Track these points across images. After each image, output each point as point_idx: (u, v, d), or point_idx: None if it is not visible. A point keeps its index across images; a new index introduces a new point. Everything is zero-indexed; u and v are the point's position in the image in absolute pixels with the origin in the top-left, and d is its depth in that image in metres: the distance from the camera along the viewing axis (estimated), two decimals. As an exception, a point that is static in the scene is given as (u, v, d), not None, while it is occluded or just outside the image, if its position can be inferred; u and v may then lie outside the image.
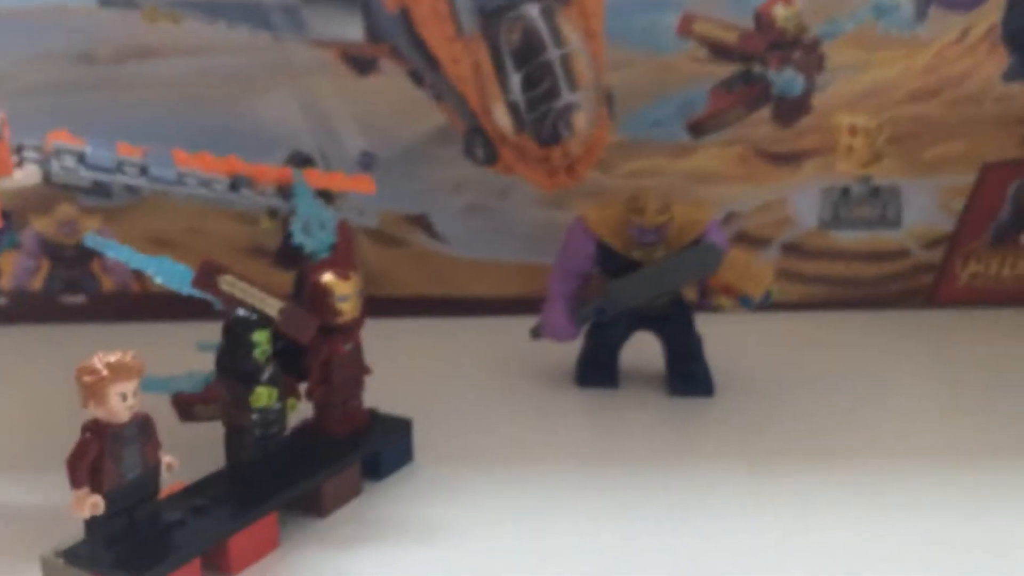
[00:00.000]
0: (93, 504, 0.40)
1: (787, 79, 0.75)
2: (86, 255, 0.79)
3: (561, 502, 0.52)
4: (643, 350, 0.67)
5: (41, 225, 0.79)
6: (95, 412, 0.40)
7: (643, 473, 0.55)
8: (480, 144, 0.78)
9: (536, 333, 0.68)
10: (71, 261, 0.80)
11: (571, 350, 0.67)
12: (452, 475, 0.55)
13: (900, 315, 0.81)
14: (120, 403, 0.40)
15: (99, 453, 0.40)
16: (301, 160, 0.75)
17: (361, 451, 0.53)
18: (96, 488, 0.40)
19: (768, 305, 0.62)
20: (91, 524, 0.42)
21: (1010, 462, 0.55)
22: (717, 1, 0.74)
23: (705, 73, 0.76)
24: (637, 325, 0.66)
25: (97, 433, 0.40)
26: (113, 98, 0.74)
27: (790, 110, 0.77)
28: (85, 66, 0.74)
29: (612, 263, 0.64)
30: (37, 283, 0.80)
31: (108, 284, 0.81)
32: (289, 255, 0.56)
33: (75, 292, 0.80)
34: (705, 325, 0.66)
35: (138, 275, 0.78)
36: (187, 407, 0.52)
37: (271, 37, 0.74)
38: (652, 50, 0.75)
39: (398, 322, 0.79)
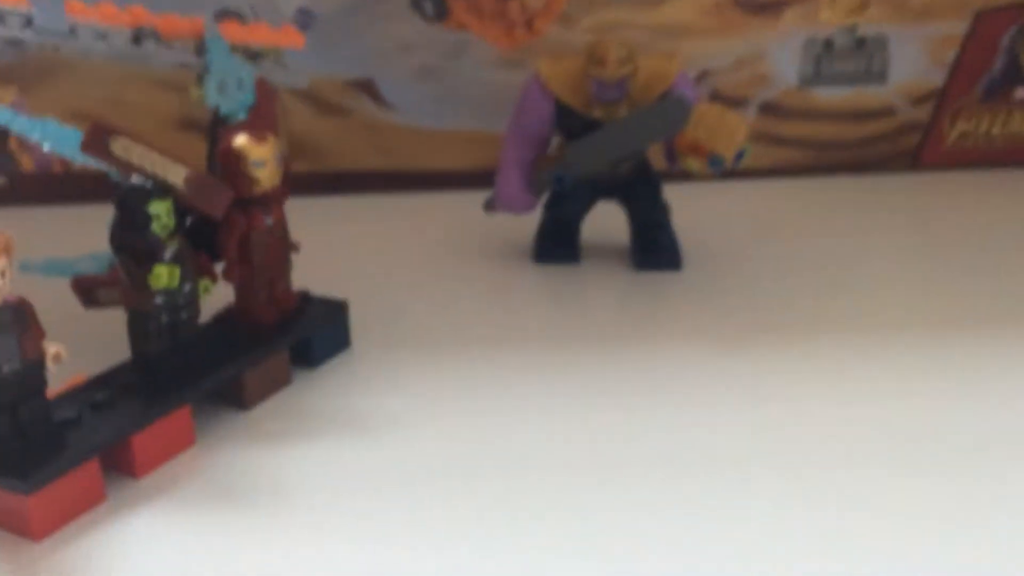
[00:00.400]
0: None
1: None
2: (2, 133, 0.72)
3: (516, 388, 0.47)
4: (606, 222, 0.62)
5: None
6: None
7: (606, 353, 0.50)
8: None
9: (489, 205, 0.62)
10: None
11: (528, 224, 0.62)
12: (394, 361, 0.49)
13: (883, 179, 0.76)
14: (-11, 283, 0.34)
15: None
16: (227, 16, 0.68)
17: (288, 337, 0.47)
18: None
19: (740, 166, 0.56)
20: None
21: (993, 327, 0.51)
22: None
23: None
24: (599, 194, 0.60)
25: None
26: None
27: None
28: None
29: (571, 124, 0.57)
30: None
31: (28, 164, 0.74)
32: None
33: (-11, 171, 0.73)
34: (673, 193, 0.60)
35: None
36: (89, 291, 0.46)
37: None
38: None
39: (340, 200, 0.73)
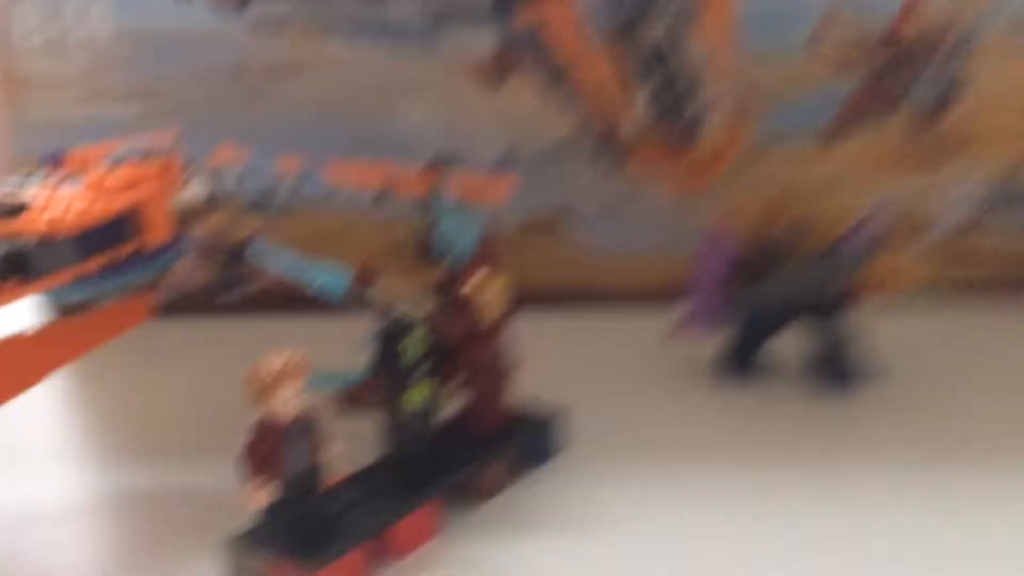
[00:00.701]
0: (266, 493, 0.43)
1: None
2: (243, 253, 0.83)
3: (707, 497, 0.52)
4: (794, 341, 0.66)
5: (199, 233, 0.84)
6: (263, 411, 0.43)
7: (789, 469, 0.55)
8: (610, 149, 0.79)
9: (675, 331, 0.68)
10: (229, 260, 0.84)
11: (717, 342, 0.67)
12: (599, 468, 0.56)
13: None
14: (284, 405, 0.43)
15: (269, 447, 0.43)
16: (444, 160, 0.77)
17: (511, 443, 0.54)
18: (268, 479, 0.43)
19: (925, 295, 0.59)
20: (264, 512, 0.45)
21: None
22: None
23: (837, 80, 0.74)
24: (789, 315, 0.64)
25: (267, 429, 0.43)
26: (265, 112, 0.79)
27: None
28: (235, 83, 0.79)
29: (749, 268, 0.63)
30: (198, 282, 0.85)
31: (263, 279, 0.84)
32: (427, 250, 0.57)
33: (233, 290, 0.84)
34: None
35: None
36: (347, 401, 0.55)
37: (410, 52, 0.77)
38: (784, 56, 0.74)
39: (541, 315, 0.80)
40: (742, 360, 0.67)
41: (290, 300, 0.81)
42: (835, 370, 0.64)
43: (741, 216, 0.63)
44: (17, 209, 0.48)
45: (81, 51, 0.82)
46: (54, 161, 0.56)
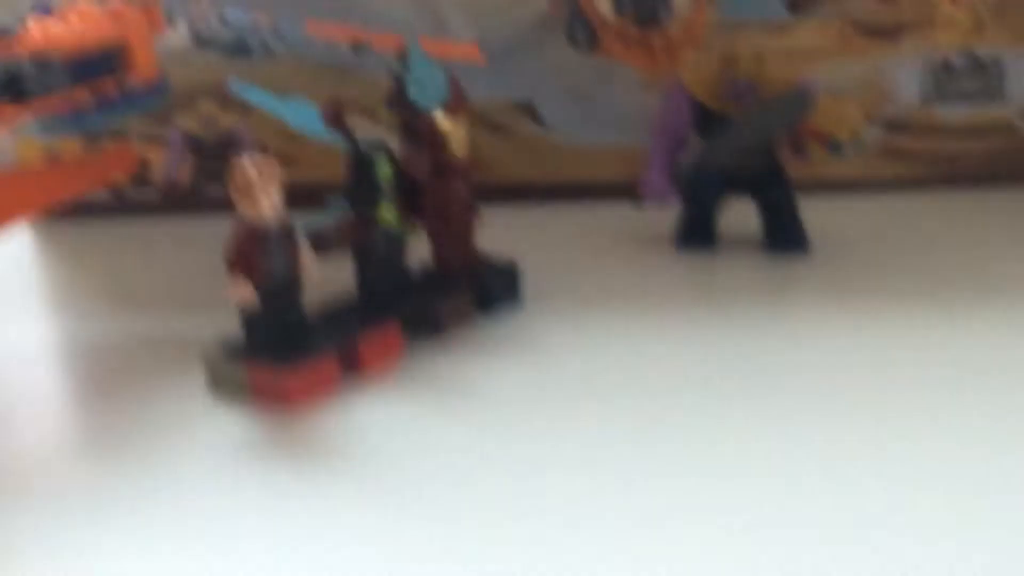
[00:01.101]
0: (249, 290, 0.46)
1: None
2: (226, 147, 0.86)
3: (658, 358, 0.54)
4: (739, 218, 0.69)
5: (184, 121, 0.86)
6: (246, 212, 0.47)
7: (742, 330, 0.57)
8: (581, 30, 0.82)
9: (636, 199, 0.71)
10: (213, 154, 0.87)
11: (669, 221, 0.71)
12: (556, 318, 0.59)
13: (1006, 194, 0.79)
14: (268, 204, 0.46)
15: (251, 247, 0.46)
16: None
17: (474, 280, 0.58)
18: (249, 278, 0.47)
19: (859, 151, 0.63)
20: (246, 325, 0.48)
21: None
22: None
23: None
24: (732, 186, 0.69)
25: (249, 230, 0.47)
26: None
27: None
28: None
29: (708, 122, 0.67)
30: (183, 176, 0.88)
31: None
32: (397, 101, 0.60)
33: (218, 183, 0.87)
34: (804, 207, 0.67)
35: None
36: (321, 239, 0.58)
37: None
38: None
39: (502, 208, 0.83)
40: (700, 229, 0.70)
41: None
42: (787, 236, 0.68)
43: (693, 81, 0.66)
44: (9, 32, 0.51)
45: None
46: (44, 10, 0.58)
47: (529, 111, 0.85)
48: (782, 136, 0.66)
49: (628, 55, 0.82)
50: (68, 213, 0.84)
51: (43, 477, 0.43)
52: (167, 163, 0.87)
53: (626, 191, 0.75)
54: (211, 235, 0.78)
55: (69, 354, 0.57)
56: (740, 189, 0.69)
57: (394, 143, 0.55)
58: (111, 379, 0.53)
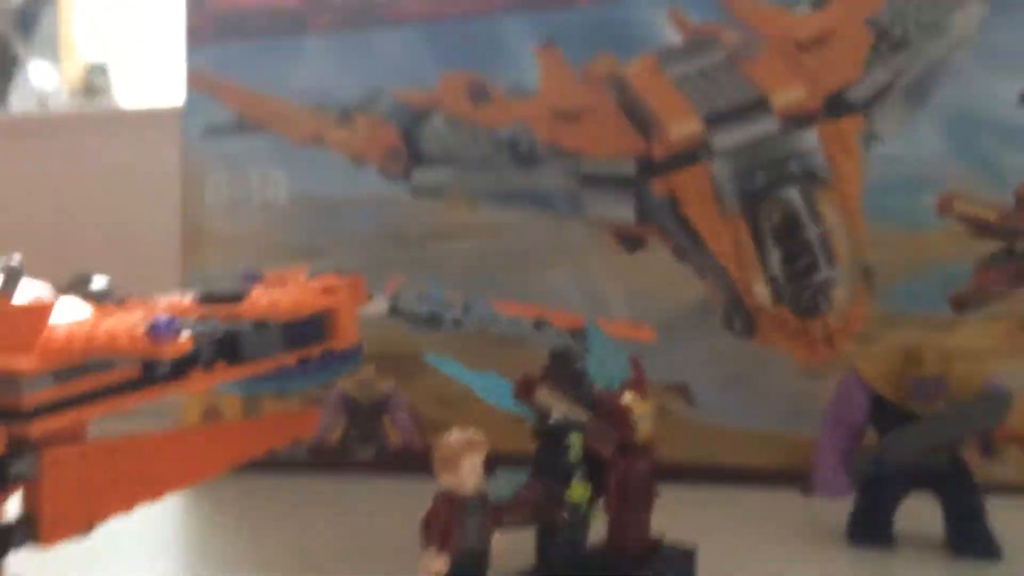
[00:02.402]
0: (442, 563, 0.45)
1: None
2: (379, 410, 0.89)
3: None
4: (920, 515, 0.66)
5: (344, 384, 0.90)
6: (447, 482, 0.47)
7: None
8: (739, 316, 0.84)
9: (807, 489, 0.69)
10: (366, 416, 0.89)
11: (840, 511, 0.68)
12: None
13: None
14: (470, 474, 0.46)
15: (448, 518, 0.46)
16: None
17: (652, 566, 0.56)
18: (444, 549, 0.46)
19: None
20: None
21: None
22: (974, 182, 0.79)
23: (965, 250, 0.79)
24: (914, 483, 0.66)
25: (448, 500, 0.46)
26: (421, 273, 0.86)
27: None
28: (396, 246, 0.87)
29: (886, 416, 0.65)
30: (335, 437, 0.90)
31: (394, 438, 0.89)
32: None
33: (367, 447, 0.89)
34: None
35: (420, 432, 0.87)
36: (497, 514, 0.57)
37: (553, 218, 0.85)
38: (911, 228, 0.80)
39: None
40: (876, 525, 0.67)
41: (422, 461, 0.86)
42: (973, 539, 0.64)
43: (872, 373, 0.66)
44: (237, 297, 0.55)
45: (260, 212, 0.92)
46: (254, 278, 0.63)
47: (683, 393, 0.85)
48: (972, 437, 0.64)
49: (786, 343, 0.83)
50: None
51: None
52: (322, 423, 0.89)
53: (785, 478, 0.74)
54: (357, 499, 0.80)
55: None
56: (921, 486, 0.66)
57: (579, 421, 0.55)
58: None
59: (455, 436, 0.47)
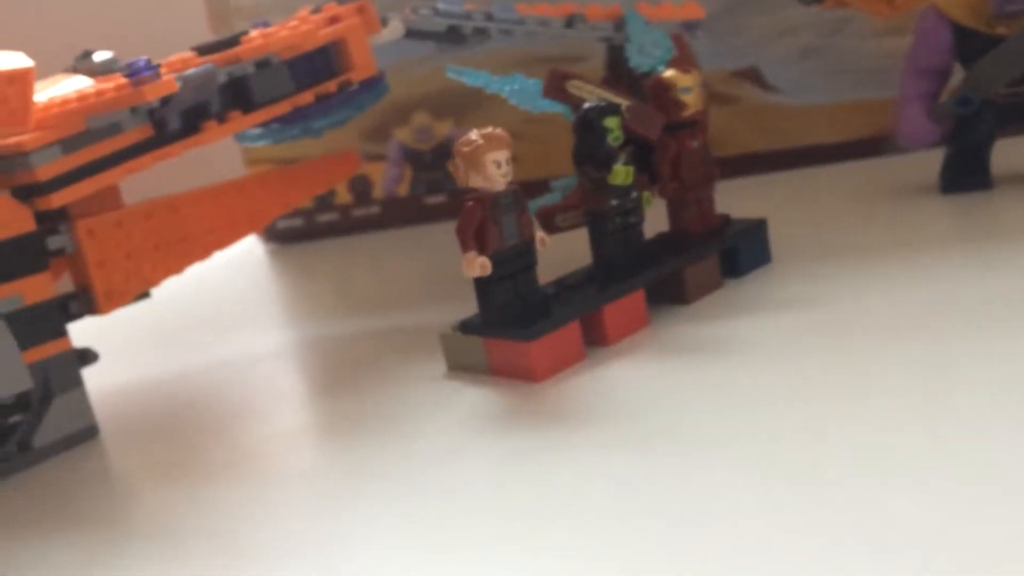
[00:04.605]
0: (482, 264, 0.44)
1: None
2: (443, 157, 0.86)
3: (923, 303, 0.47)
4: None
5: (401, 134, 0.87)
6: (474, 182, 0.44)
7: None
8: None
9: (889, 146, 0.64)
10: (430, 164, 0.88)
11: (929, 162, 0.63)
12: (810, 275, 0.53)
13: None
14: (496, 170, 0.44)
15: (483, 218, 0.44)
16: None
17: (717, 244, 0.53)
18: (482, 251, 0.44)
19: None
20: (482, 297, 0.46)
21: None
22: None
23: None
24: (1007, 119, 0.60)
25: (479, 201, 0.44)
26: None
27: None
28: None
29: (972, 47, 0.59)
30: (403, 189, 0.89)
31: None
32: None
33: (436, 192, 0.88)
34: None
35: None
36: (549, 218, 0.55)
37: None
38: None
39: (737, 181, 0.78)
40: (971, 170, 0.62)
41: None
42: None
43: (955, 2, 0.58)
44: (235, 40, 0.52)
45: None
46: (263, 26, 0.59)
47: (754, 77, 0.79)
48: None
49: (858, 2, 0.75)
50: (296, 236, 0.88)
51: (296, 457, 0.43)
52: (387, 177, 0.88)
53: (866, 150, 0.68)
54: (431, 243, 0.80)
55: (310, 351, 0.57)
56: (1016, 122, 0.60)
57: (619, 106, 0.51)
58: (351, 368, 0.52)
59: (473, 133, 0.44)
